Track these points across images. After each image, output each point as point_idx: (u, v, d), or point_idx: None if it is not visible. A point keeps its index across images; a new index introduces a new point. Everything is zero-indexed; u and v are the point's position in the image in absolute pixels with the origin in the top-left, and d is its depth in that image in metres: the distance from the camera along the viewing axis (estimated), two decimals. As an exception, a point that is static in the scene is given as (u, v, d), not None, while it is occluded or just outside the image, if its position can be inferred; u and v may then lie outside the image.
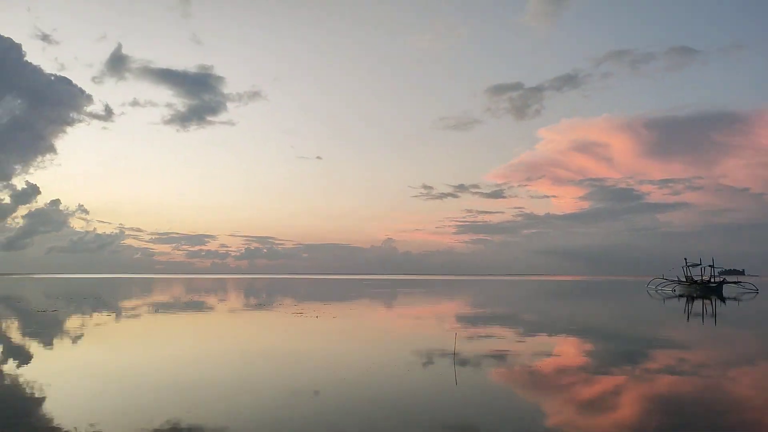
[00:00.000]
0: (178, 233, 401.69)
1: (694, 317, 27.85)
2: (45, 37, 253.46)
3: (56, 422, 7.77)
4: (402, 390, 10.10)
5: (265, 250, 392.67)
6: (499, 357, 14.15)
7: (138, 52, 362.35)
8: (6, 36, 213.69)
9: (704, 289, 50.89)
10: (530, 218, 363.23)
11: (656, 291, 56.94)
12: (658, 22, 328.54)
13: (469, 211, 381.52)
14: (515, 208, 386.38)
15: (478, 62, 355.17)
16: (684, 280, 55.49)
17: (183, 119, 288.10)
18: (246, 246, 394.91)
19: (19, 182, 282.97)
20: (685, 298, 44.41)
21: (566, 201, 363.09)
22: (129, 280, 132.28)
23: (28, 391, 9.88)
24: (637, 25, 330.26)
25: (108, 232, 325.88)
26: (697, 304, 37.19)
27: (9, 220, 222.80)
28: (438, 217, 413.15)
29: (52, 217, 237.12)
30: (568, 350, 16.02)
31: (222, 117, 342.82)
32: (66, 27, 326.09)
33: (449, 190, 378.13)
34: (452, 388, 10.29)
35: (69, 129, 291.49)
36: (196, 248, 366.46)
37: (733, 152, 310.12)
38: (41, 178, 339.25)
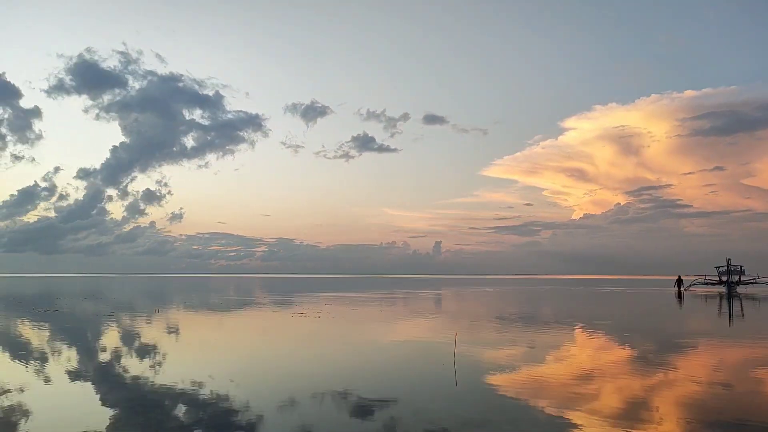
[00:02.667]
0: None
1: (718, 311, 29.26)
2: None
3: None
4: (402, 391, 9.97)
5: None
6: (502, 356, 13.97)
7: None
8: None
9: (728, 288, 59.44)
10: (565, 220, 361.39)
11: (686, 289, 63.39)
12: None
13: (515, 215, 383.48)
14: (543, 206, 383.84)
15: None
16: (715, 280, 63.24)
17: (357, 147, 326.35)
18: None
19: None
20: (717, 296, 51.39)
21: (595, 201, 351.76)
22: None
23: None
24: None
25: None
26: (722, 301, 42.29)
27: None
28: (478, 219, 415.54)
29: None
30: (592, 345, 15.86)
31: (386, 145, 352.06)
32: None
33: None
34: (452, 389, 10.16)
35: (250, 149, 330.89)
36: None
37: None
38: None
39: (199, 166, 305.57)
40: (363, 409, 8.72)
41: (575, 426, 7.65)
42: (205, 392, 9.85)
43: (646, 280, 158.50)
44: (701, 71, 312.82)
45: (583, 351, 15.54)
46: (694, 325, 24.47)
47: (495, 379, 11.04)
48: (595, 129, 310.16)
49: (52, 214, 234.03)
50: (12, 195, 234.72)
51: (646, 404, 8.96)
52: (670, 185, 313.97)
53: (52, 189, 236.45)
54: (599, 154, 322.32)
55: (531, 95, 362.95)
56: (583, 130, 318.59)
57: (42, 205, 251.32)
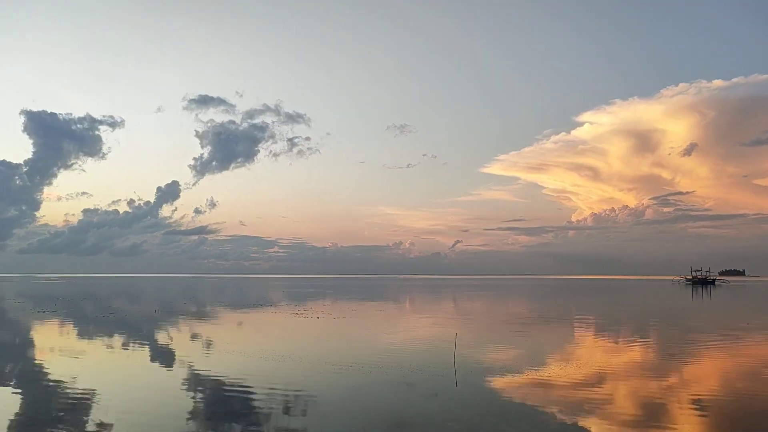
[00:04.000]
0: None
1: (695, 296, 49.06)
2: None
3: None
4: (402, 391, 10.20)
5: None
6: (501, 357, 14.36)
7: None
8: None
9: (701, 282, 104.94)
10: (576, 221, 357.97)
11: (677, 283, 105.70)
12: None
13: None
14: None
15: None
16: (691, 277, 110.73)
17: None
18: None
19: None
20: (692, 287, 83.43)
21: (606, 200, 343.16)
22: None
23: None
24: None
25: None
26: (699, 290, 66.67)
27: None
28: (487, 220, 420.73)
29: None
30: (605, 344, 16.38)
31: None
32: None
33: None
34: (452, 390, 10.42)
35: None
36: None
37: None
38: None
39: (257, 176, 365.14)
40: (362, 409, 8.96)
41: (576, 426, 7.95)
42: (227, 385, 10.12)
43: (659, 280, 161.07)
44: (733, 59, 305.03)
45: (583, 351, 15.87)
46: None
47: (495, 380, 11.25)
48: (612, 123, 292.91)
49: (118, 215, 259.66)
50: (96, 205, 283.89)
51: (645, 401, 9.42)
52: (688, 188, 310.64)
53: (129, 199, 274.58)
54: (614, 150, 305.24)
55: (544, 90, 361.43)
56: (599, 124, 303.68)
57: (113, 210, 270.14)
